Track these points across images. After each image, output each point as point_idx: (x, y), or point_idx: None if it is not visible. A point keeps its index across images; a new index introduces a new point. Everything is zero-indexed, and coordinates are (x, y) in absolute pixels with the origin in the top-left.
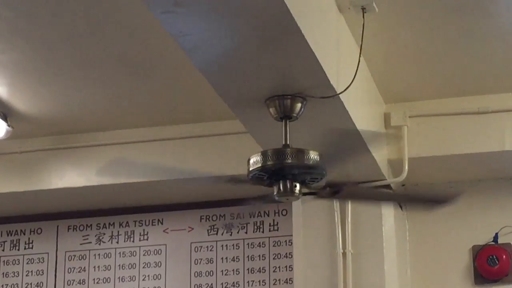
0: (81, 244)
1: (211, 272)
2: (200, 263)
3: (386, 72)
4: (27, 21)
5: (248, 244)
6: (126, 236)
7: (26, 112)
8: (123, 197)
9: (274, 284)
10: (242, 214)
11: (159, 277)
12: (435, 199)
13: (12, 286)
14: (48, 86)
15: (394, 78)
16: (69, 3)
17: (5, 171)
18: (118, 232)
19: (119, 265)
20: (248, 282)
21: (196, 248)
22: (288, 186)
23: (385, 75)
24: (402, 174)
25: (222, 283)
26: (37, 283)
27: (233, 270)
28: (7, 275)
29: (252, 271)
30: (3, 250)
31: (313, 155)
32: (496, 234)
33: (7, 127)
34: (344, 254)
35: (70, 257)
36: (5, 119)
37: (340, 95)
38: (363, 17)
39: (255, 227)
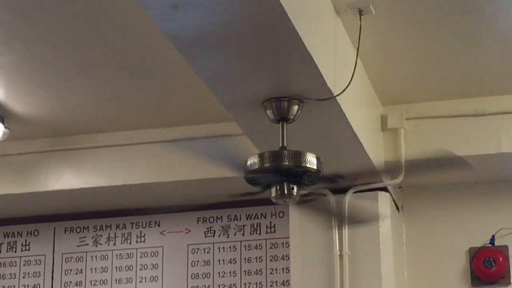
0: (78, 246)
1: (208, 274)
2: (197, 265)
3: (383, 74)
4: (24, 23)
5: (245, 246)
6: (123, 238)
7: (23, 114)
8: (120, 199)
9: (271, 286)
10: (239, 216)
11: (156, 279)
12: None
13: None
14: (45, 88)
15: (391, 80)
16: (67, 5)
17: (2, 173)
18: (115, 234)
19: (116, 267)
20: (245, 284)
21: (193, 250)
22: (285, 189)
23: (382, 77)
24: (399, 177)
25: (219, 285)
26: (34, 285)
27: (230, 272)
28: (4, 277)
29: (249, 273)
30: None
31: (310, 157)
32: (493, 236)
33: (4, 129)
34: (341, 256)
35: (67, 259)
36: (2, 121)
37: (337, 98)
38: (360, 19)
39: (252, 229)
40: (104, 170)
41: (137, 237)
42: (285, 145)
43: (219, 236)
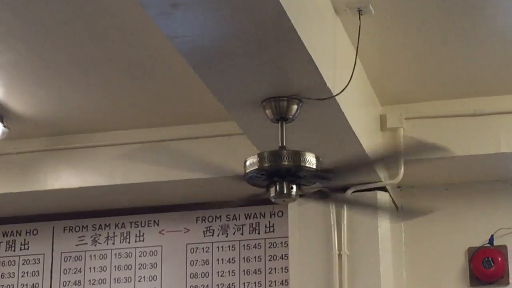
0: (77, 245)
1: (207, 274)
2: (196, 264)
3: (382, 74)
4: (24, 22)
5: (244, 245)
6: (122, 237)
7: (22, 113)
8: (119, 198)
9: (269, 285)
10: (238, 216)
11: (155, 278)
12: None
13: (8, 287)
14: (45, 87)
15: (390, 80)
16: (66, 4)
17: (1, 172)
18: (114, 233)
19: (115, 266)
20: (244, 283)
21: (192, 249)
22: (285, 188)
23: (381, 77)
24: (398, 176)
25: (218, 285)
26: (33, 284)
27: (229, 271)
28: (2, 276)
29: (248, 273)
30: None
31: (309, 157)
32: (492, 236)
33: (3, 128)
34: (339, 256)
35: (66, 258)
36: (1, 120)
37: (336, 97)
38: (360, 19)
39: (251, 228)
40: (103, 169)
41: (136, 236)
42: (284, 144)
43: (218, 235)
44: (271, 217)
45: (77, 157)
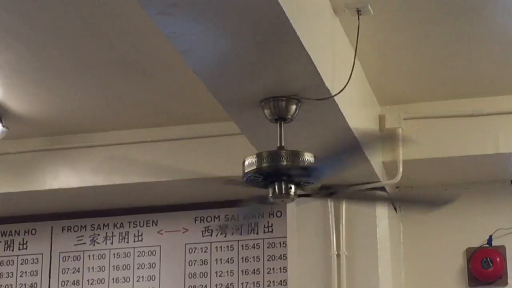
0: (75, 245)
1: (206, 274)
2: (194, 264)
3: (381, 74)
4: (22, 22)
5: (242, 245)
6: (121, 237)
7: (21, 112)
8: (117, 198)
9: (268, 285)
10: (236, 216)
11: (153, 278)
12: (430, 201)
13: (6, 286)
14: (43, 87)
15: (389, 80)
16: (65, 4)
17: (0, 171)
18: (113, 233)
19: (114, 266)
20: (242, 283)
21: (190, 250)
22: (283, 188)
23: (380, 77)
24: (397, 177)
25: (216, 285)
26: (31, 283)
27: (228, 271)
28: (1, 276)
29: (247, 273)
30: None
31: (308, 157)
32: (490, 236)
33: (2, 127)
34: (338, 256)
35: (64, 258)
36: (0, 120)
37: (335, 97)
38: (358, 19)
39: (250, 228)
40: (102, 169)
41: (134, 236)
42: (283, 144)
43: (216, 235)
44: (269, 217)
45: (75, 157)
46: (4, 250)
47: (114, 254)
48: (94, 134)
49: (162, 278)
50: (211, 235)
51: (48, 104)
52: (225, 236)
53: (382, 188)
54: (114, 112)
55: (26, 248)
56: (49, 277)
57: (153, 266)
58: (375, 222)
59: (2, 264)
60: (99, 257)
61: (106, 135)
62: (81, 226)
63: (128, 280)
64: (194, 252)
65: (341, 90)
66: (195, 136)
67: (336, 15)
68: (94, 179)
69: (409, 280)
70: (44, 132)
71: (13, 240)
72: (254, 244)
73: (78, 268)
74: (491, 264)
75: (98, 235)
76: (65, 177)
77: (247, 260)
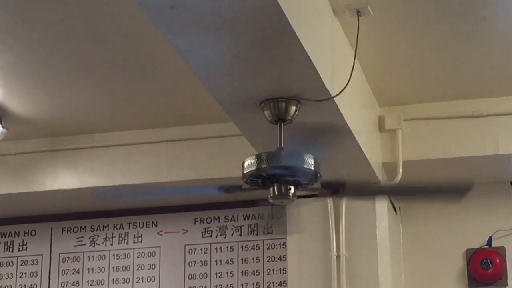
0: (75, 246)
1: (205, 275)
2: (194, 265)
3: (381, 75)
4: (22, 23)
5: (242, 246)
6: (120, 238)
7: (21, 113)
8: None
9: (268, 286)
10: (236, 217)
11: (153, 279)
12: (448, 190)
13: (6, 287)
14: (43, 88)
15: (388, 81)
16: (65, 5)
17: None
18: (112, 234)
19: (113, 267)
20: (242, 284)
21: (190, 251)
22: (283, 189)
23: (379, 78)
24: (396, 178)
25: (216, 286)
26: (31, 284)
27: (227, 272)
28: (1, 277)
29: (246, 274)
30: None
31: (308, 158)
32: (490, 237)
33: (2, 128)
34: (338, 257)
35: (64, 259)
36: (0, 121)
37: (335, 98)
38: (358, 20)
39: (249, 229)
40: (102, 170)
41: (134, 237)
42: (282, 145)
43: (216, 236)
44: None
45: (75, 158)
46: (4, 251)
47: (114, 255)
48: (94, 135)
49: (162, 279)
50: (210, 236)
51: (47, 105)
52: (224, 238)
53: None
54: (114, 113)
55: (25, 249)
56: (49, 278)
57: (153, 267)
58: (375, 223)
59: (1, 265)
60: (99, 258)
61: (106, 136)
62: (81, 227)
63: (128, 281)
64: (194, 253)
65: (341, 91)
66: (195, 137)
67: (336, 16)
68: (94, 180)
69: (409, 281)
70: (44, 133)
71: (13, 241)
72: (253, 245)
73: (78, 269)
74: (491, 265)
75: (98, 236)
76: (65, 178)
77: (247, 261)
